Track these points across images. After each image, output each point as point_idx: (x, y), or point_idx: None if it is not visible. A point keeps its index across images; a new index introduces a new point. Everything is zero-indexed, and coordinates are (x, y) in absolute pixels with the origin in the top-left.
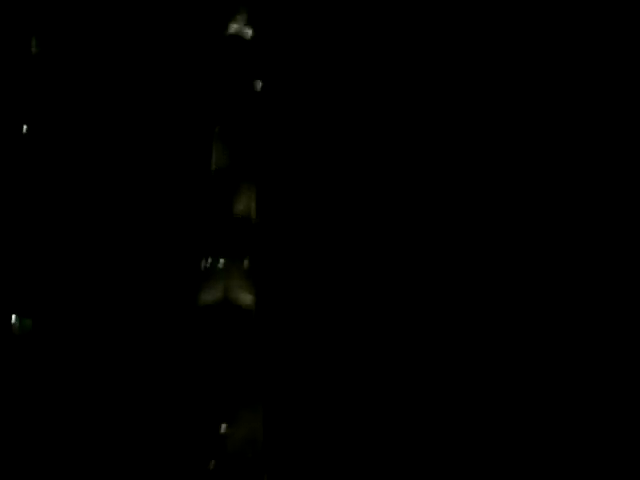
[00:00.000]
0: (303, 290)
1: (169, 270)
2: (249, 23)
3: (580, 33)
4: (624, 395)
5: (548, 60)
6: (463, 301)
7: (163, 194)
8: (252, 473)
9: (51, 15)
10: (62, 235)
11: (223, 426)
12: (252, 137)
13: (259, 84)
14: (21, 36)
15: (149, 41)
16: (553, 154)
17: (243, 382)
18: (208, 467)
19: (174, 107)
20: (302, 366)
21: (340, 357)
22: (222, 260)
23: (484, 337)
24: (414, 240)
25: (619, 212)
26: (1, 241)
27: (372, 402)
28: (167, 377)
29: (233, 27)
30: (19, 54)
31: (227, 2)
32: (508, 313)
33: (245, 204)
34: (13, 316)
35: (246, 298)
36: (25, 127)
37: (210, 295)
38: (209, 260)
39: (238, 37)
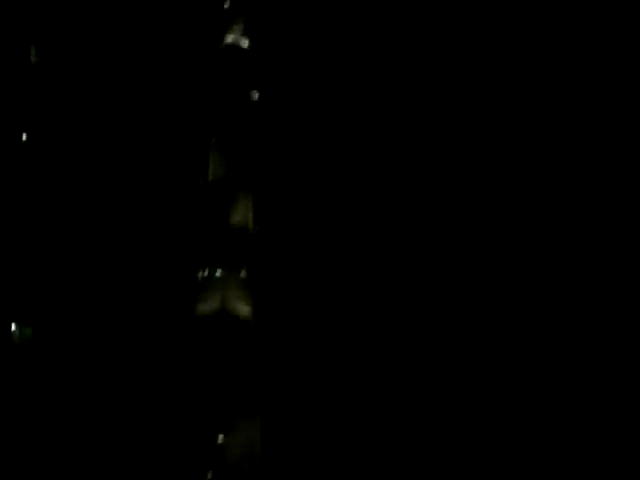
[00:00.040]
0: (301, 300)
1: (166, 281)
2: (246, 33)
3: (580, 33)
4: (623, 395)
5: (548, 60)
6: (463, 319)
7: (160, 204)
8: None
9: (50, 24)
10: (61, 244)
11: (221, 436)
12: (249, 147)
13: (256, 94)
14: (20, 45)
15: (146, 52)
16: (553, 154)
17: (241, 392)
18: (206, 478)
19: (171, 118)
20: (300, 376)
21: (338, 367)
22: (219, 270)
23: (481, 338)
24: (412, 248)
25: (619, 212)
26: (1, 250)
27: (371, 413)
28: (164, 387)
29: (230, 37)
30: (18, 63)
31: (224, 13)
32: (507, 313)
33: (242, 214)
34: (13, 325)
35: (243, 309)
36: (25, 135)
37: (207, 305)
38: (206, 270)
39: (235, 47)
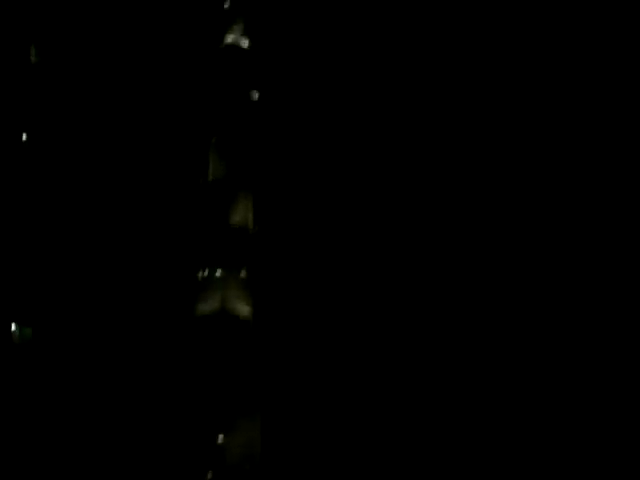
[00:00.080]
0: (301, 300)
1: (166, 280)
2: (245, 33)
3: (580, 33)
4: (623, 395)
5: (548, 60)
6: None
7: (160, 204)
8: None
9: (50, 24)
10: (62, 244)
11: (221, 436)
12: (249, 147)
13: (256, 94)
14: (20, 45)
15: (146, 53)
16: (553, 154)
17: (241, 392)
18: (206, 477)
19: (171, 118)
20: (300, 376)
21: (338, 367)
22: (219, 270)
23: (481, 337)
24: (412, 248)
25: (619, 212)
26: (1, 251)
27: (370, 412)
28: (164, 387)
29: (230, 37)
30: (19, 63)
31: (224, 13)
32: (507, 313)
33: (242, 214)
34: (13, 325)
35: (243, 309)
36: (25, 135)
37: (207, 306)
38: (206, 270)
39: (235, 47)
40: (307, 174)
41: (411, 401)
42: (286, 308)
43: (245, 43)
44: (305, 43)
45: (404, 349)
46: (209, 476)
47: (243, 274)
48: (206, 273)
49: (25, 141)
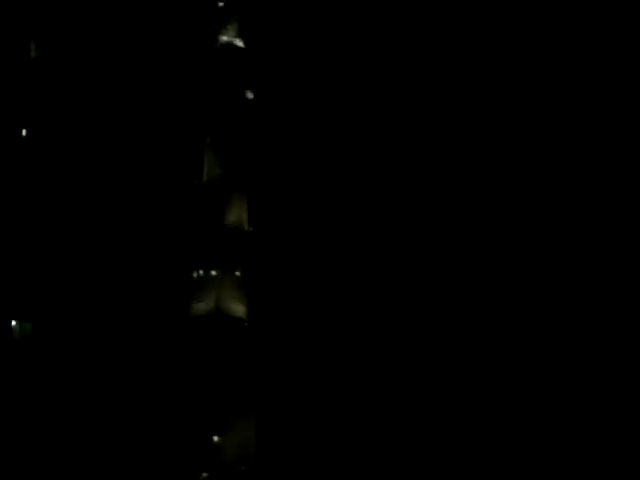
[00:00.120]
0: (296, 300)
1: (161, 280)
2: (240, 33)
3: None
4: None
5: (548, 60)
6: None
7: (155, 204)
8: None
9: (49, 20)
10: (60, 241)
11: (215, 437)
12: (244, 147)
13: (250, 94)
14: (20, 40)
15: (140, 52)
16: (553, 155)
17: (236, 393)
18: (200, 478)
19: (165, 117)
20: (295, 376)
21: (334, 367)
22: (214, 271)
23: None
24: (409, 248)
25: (619, 213)
26: (1, 246)
27: (366, 412)
28: (159, 387)
29: (224, 37)
30: (18, 58)
31: (218, 12)
32: (507, 313)
33: (237, 214)
34: (13, 320)
35: (238, 308)
36: (24, 131)
37: (202, 305)
38: (201, 270)
39: (229, 46)
40: (302, 174)
41: (408, 401)
42: (281, 308)
43: (240, 42)
44: (300, 42)
45: (401, 348)
46: (204, 476)
47: (238, 274)
48: (201, 273)
49: (25, 137)
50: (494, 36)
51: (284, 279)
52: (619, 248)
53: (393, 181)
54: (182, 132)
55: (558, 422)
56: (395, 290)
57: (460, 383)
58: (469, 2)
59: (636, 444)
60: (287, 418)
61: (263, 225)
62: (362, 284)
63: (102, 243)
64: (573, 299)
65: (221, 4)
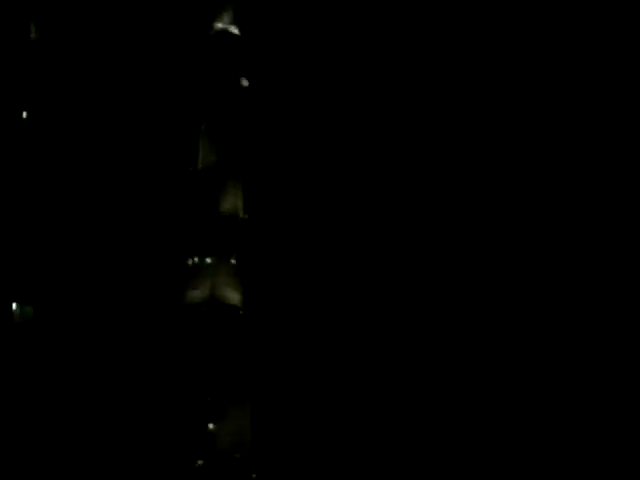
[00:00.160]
0: (292, 288)
1: (156, 268)
2: (235, 20)
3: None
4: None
5: (548, 61)
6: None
7: (149, 192)
8: (240, 472)
9: (49, 1)
10: (59, 225)
11: (211, 424)
12: (239, 134)
13: (245, 81)
14: (20, 22)
15: (135, 39)
16: (553, 155)
17: (231, 380)
18: (195, 466)
19: (160, 104)
20: (291, 364)
21: (329, 355)
22: (209, 258)
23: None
24: (404, 239)
25: (619, 212)
26: (1, 229)
27: (362, 402)
28: (154, 375)
29: (219, 24)
30: (18, 40)
31: (213, 0)
32: (507, 313)
33: (232, 202)
34: (14, 303)
35: (234, 296)
36: (25, 113)
37: (197, 293)
38: (196, 258)
39: (224, 34)
40: (297, 161)
41: (402, 391)
42: (277, 295)
43: (235, 29)
44: (296, 30)
45: (396, 338)
46: (199, 463)
47: (233, 261)
48: (196, 260)
49: (25, 119)
50: (494, 36)
51: (280, 267)
52: (619, 248)
53: (390, 167)
54: (177, 119)
55: (558, 422)
56: (392, 279)
57: (457, 379)
58: (469, 2)
59: (636, 444)
60: (283, 406)
61: (258, 212)
62: (359, 272)
63: (97, 230)
64: (573, 299)
65: None
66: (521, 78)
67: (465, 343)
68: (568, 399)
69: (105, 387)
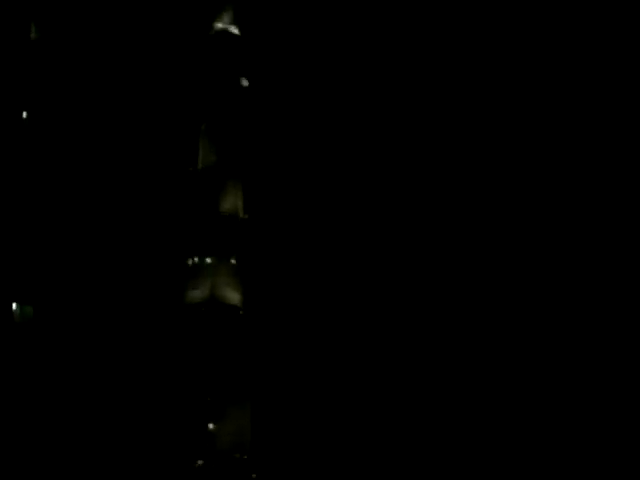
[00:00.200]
0: (291, 288)
1: (156, 268)
2: (235, 19)
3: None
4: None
5: (548, 61)
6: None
7: (150, 192)
8: (240, 472)
9: (49, 1)
10: (59, 224)
11: (211, 424)
12: (239, 134)
13: (245, 81)
14: (20, 21)
15: (135, 39)
16: (553, 155)
17: (231, 380)
18: (195, 466)
19: (160, 104)
20: (291, 364)
21: (329, 355)
22: (209, 258)
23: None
24: (403, 239)
25: (619, 212)
26: (1, 228)
27: (361, 402)
28: (154, 375)
29: (219, 23)
30: (18, 40)
31: (213, 0)
32: (507, 313)
33: (232, 202)
34: (14, 303)
35: (234, 296)
36: (25, 113)
37: (197, 293)
38: (196, 258)
39: (225, 33)
40: (297, 162)
41: (402, 392)
42: (277, 295)
43: (235, 29)
44: (296, 30)
45: (395, 339)
46: (199, 463)
47: (233, 261)
48: (196, 260)
49: (25, 119)
50: (494, 36)
51: (280, 267)
52: (619, 248)
53: (389, 166)
54: (177, 119)
55: (558, 422)
56: (391, 279)
57: (456, 380)
58: (468, 2)
59: (636, 444)
60: (283, 406)
61: (258, 213)
62: (358, 271)
63: (97, 230)
64: (573, 299)
65: None
66: (521, 78)
67: (463, 343)
68: (568, 398)
69: (105, 387)
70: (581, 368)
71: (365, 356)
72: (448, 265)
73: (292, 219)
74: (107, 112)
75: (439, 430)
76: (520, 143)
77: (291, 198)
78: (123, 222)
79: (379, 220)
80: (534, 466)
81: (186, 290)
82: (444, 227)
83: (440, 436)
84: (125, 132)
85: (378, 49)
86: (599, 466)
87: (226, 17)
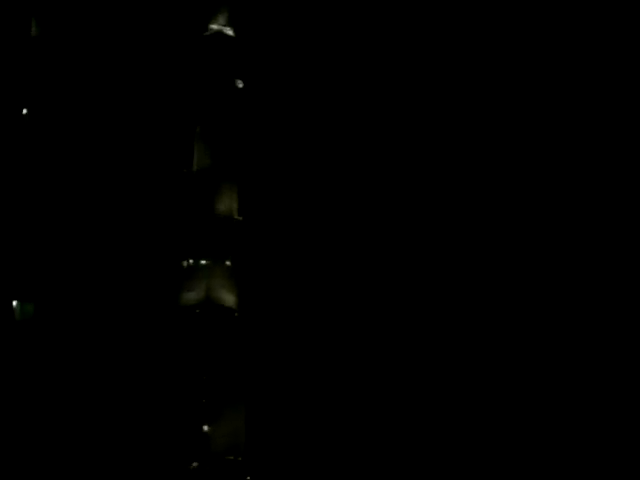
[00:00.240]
0: (286, 290)
1: (151, 270)
2: (230, 21)
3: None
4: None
5: (548, 61)
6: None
7: (145, 194)
8: (235, 474)
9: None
10: (59, 223)
11: (205, 426)
12: (234, 136)
13: (240, 83)
14: (21, 19)
15: (130, 40)
16: (553, 155)
17: (226, 382)
18: (190, 467)
19: (155, 107)
20: (285, 366)
21: (324, 357)
22: (204, 260)
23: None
24: (399, 240)
25: (619, 212)
26: (2, 226)
27: (356, 403)
28: (149, 376)
29: (214, 25)
30: (18, 37)
31: (208, 1)
32: (507, 314)
33: (227, 204)
34: (14, 301)
35: (229, 298)
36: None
37: (192, 295)
38: (191, 260)
39: (219, 35)
40: (292, 163)
41: (397, 392)
42: (271, 297)
43: (230, 31)
44: (290, 31)
45: (391, 339)
46: (194, 465)
47: (228, 263)
48: (191, 262)
49: (25, 115)
50: (494, 36)
51: (274, 268)
52: (619, 248)
53: (383, 168)
54: (172, 121)
55: (558, 422)
56: (384, 280)
57: (454, 380)
58: (468, 2)
59: (636, 444)
60: (277, 407)
61: (253, 214)
62: (352, 272)
63: (94, 232)
64: (573, 299)
65: None
66: (521, 78)
67: (461, 342)
68: (567, 398)
69: (101, 388)
70: (581, 368)
71: (359, 358)
72: (445, 271)
73: (287, 221)
74: (103, 115)
75: (436, 431)
76: (520, 143)
77: (286, 200)
78: (118, 224)
79: (374, 222)
80: (534, 465)
81: (181, 292)
82: (440, 237)
83: (438, 437)
84: (120, 135)
85: (373, 51)
86: (599, 465)
87: (221, 19)
